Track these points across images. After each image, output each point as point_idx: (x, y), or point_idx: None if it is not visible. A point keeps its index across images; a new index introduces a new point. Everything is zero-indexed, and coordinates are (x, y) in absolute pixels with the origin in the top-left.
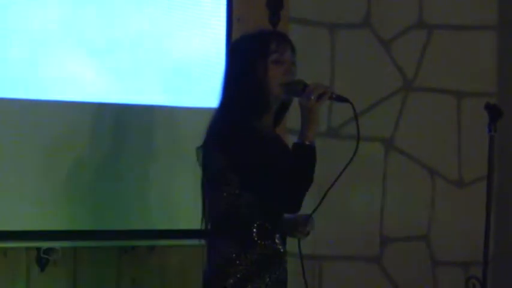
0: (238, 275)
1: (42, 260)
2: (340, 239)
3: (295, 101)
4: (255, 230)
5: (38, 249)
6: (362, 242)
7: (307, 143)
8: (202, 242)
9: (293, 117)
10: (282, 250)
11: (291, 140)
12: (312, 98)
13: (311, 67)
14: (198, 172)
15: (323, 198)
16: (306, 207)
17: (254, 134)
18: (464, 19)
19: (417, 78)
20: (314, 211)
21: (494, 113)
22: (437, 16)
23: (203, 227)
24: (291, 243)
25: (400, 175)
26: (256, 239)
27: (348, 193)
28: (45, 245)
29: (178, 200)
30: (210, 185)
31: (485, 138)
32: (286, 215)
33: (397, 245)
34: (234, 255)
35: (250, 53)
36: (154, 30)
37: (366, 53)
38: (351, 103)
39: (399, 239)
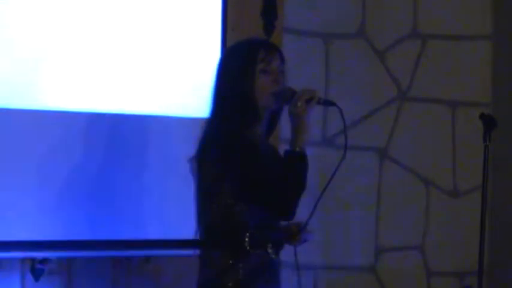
0: (231, 284)
1: (37, 270)
2: (334, 248)
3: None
4: (246, 239)
5: (33, 259)
6: (357, 251)
7: (297, 149)
8: (197, 252)
9: (286, 127)
10: (275, 259)
11: (284, 149)
12: (299, 104)
13: (305, 77)
14: (192, 182)
15: (317, 203)
16: (303, 216)
17: (248, 143)
18: (459, 29)
19: (412, 88)
20: (309, 218)
21: (489, 123)
22: (432, 26)
23: (198, 237)
24: (285, 253)
25: (395, 185)
26: (248, 248)
27: (343, 202)
28: (39, 255)
29: (173, 210)
30: (204, 194)
31: (480, 148)
32: (281, 224)
33: (391, 254)
34: (226, 264)
35: (238, 62)
36: (147, 39)
37: (360, 63)
38: (338, 107)
39: (394, 248)
